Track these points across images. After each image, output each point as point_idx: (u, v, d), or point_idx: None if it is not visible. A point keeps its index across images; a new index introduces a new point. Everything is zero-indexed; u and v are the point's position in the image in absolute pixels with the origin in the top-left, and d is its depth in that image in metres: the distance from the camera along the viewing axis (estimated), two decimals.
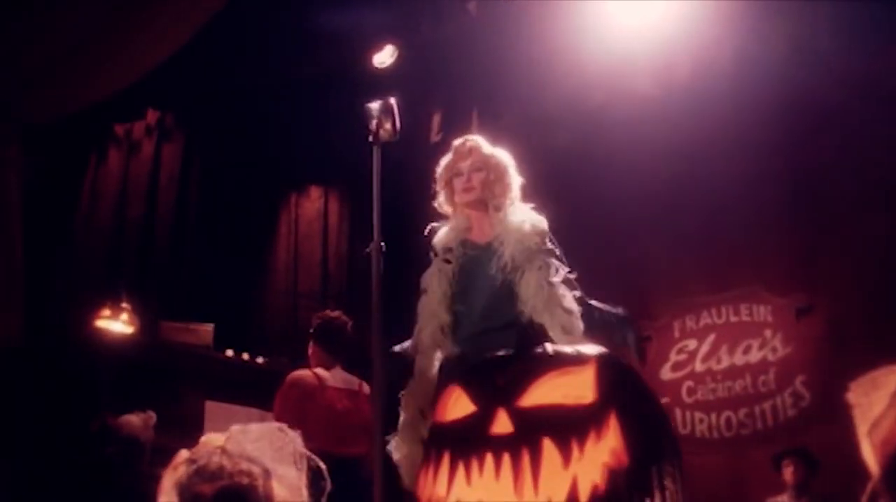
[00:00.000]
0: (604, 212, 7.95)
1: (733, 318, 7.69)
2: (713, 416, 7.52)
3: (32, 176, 6.66)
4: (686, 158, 7.73)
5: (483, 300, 3.76)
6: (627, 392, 1.83)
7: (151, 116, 7.98)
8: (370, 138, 3.42)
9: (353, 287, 8.57)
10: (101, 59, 6.46)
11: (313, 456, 1.87)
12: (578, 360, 1.85)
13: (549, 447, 1.73)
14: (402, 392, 3.80)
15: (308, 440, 5.12)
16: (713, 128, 7.54)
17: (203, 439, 1.89)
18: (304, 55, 7.87)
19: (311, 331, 5.56)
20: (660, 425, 1.87)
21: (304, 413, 5.17)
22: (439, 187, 4.04)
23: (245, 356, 6.30)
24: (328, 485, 1.86)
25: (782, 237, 7.38)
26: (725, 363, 7.60)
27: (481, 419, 1.84)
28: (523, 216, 3.87)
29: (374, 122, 3.45)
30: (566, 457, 1.71)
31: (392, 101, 3.57)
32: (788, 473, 6.48)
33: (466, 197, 3.86)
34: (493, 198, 3.89)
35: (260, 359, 6.32)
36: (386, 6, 7.59)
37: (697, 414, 7.59)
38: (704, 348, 7.72)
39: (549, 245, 3.79)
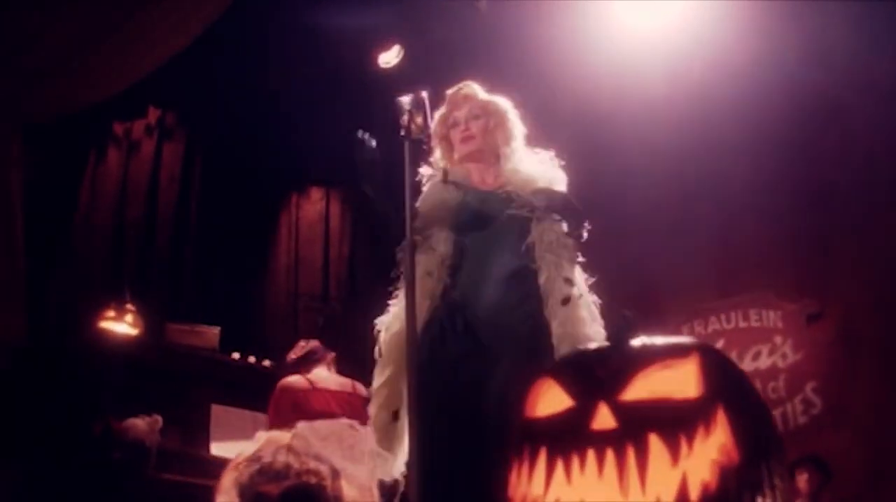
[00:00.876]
0: (611, 215, 7.86)
1: (742, 324, 7.63)
2: None
3: (32, 175, 6.56)
4: (695, 162, 7.68)
5: (488, 241, 3.48)
6: (732, 385, 1.74)
7: (152, 115, 7.86)
8: (401, 132, 3.31)
9: (356, 292, 8.46)
10: (105, 58, 6.39)
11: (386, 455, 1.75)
12: (680, 352, 1.76)
13: (655, 443, 1.64)
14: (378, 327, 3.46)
15: None
16: (723, 131, 7.49)
17: (266, 437, 1.79)
18: (309, 54, 7.78)
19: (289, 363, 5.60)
20: (765, 421, 1.78)
21: (297, 418, 5.13)
22: (434, 142, 3.73)
23: (252, 359, 6.21)
24: (401, 486, 1.75)
25: (792, 241, 7.32)
26: None
27: (580, 414, 1.75)
28: (536, 168, 3.60)
29: (405, 117, 3.34)
30: (674, 454, 1.62)
31: (424, 94, 3.47)
32: (802, 481, 6.41)
33: (465, 148, 3.61)
34: (496, 146, 3.63)
35: (267, 363, 6.22)
36: (391, 5, 7.51)
37: None
38: None
39: (570, 201, 3.48)
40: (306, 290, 8.40)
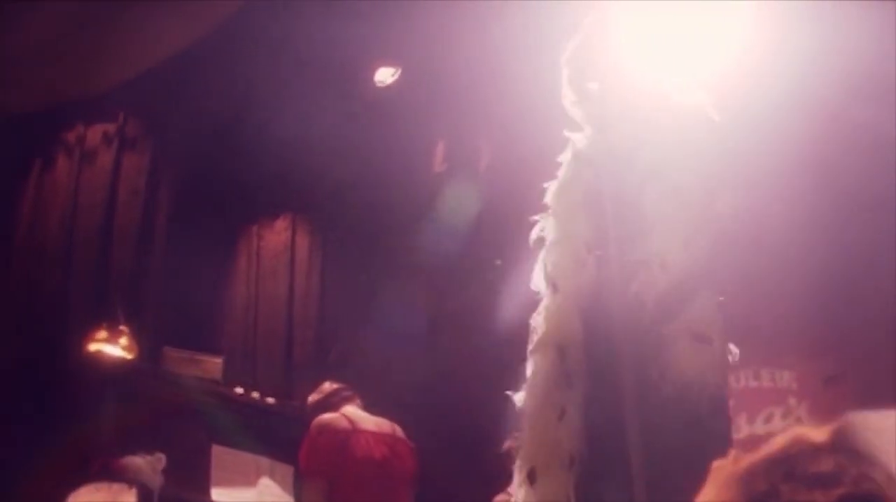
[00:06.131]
0: None
1: (753, 383, 7.59)
2: None
3: None
4: None
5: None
6: None
7: (115, 121, 7.46)
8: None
9: (324, 334, 8.14)
10: (99, 49, 6.11)
11: None
12: None
13: None
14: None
15: (342, 498, 4.81)
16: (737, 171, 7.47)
17: (792, 434, 1.55)
18: (296, 69, 7.54)
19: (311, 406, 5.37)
20: None
21: (337, 465, 4.87)
22: (567, 83, 3.43)
23: (255, 394, 5.89)
24: None
25: (809, 294, 7.31)
26: (745, 432, 7.46)
27: None
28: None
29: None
30: None
31: None
32: None
33: None
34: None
35: (270, 400, 5.92)
36: (391, 21, 7.34)
37: None
38: None
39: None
40: (266, 331, 8.07)
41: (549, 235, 3.18)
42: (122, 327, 5.67)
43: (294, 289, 8.25)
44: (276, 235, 8.42)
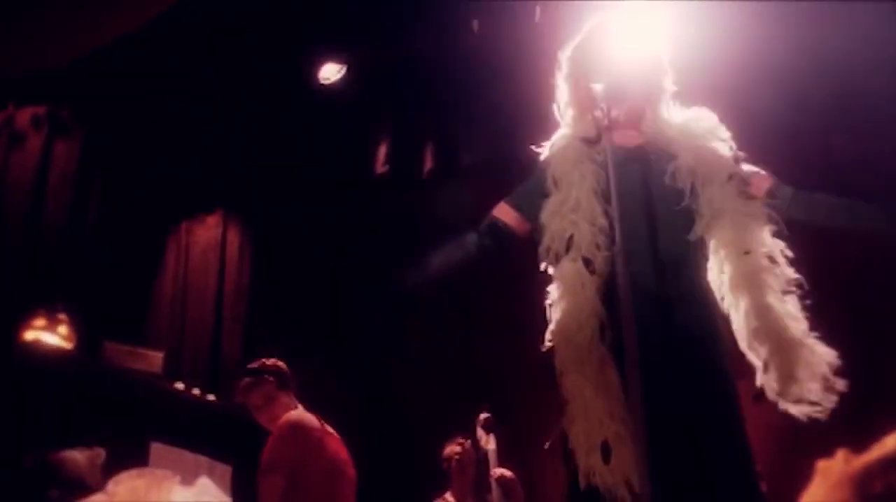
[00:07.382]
0: None
1: None
2: None
3: None
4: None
5: (650, 214, 3.08)
6: None
7: (42, 105, 7.22)
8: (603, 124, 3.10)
9: (251, 332, 7.97)
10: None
11: None
12: None
13: None
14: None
15: (304, 496, 4.70)
16: None
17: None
18: (235, 63, 7.40)
19: (268, 375, 5.13)
20: None
21: (307, 461, 4.78)
22: (564, 81, 3.34)
23: (196, 391, 5.72)
24: None
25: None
26: None
27: None
28: (689, 115, 3.29)
29: (601, 108, 3.13)
30: None
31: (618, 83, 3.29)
32: None
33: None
34: (648, 100, 3.29)
35: (211, 397, 5.76)
36: (342, 17, 7.24)
37: None
38: None
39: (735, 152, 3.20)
40: (194, 329, 7.88)
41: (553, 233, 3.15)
42: (60, 315, 5.46)
43: (224, 285, 8.10)
44: (207, 231, 8.25)
